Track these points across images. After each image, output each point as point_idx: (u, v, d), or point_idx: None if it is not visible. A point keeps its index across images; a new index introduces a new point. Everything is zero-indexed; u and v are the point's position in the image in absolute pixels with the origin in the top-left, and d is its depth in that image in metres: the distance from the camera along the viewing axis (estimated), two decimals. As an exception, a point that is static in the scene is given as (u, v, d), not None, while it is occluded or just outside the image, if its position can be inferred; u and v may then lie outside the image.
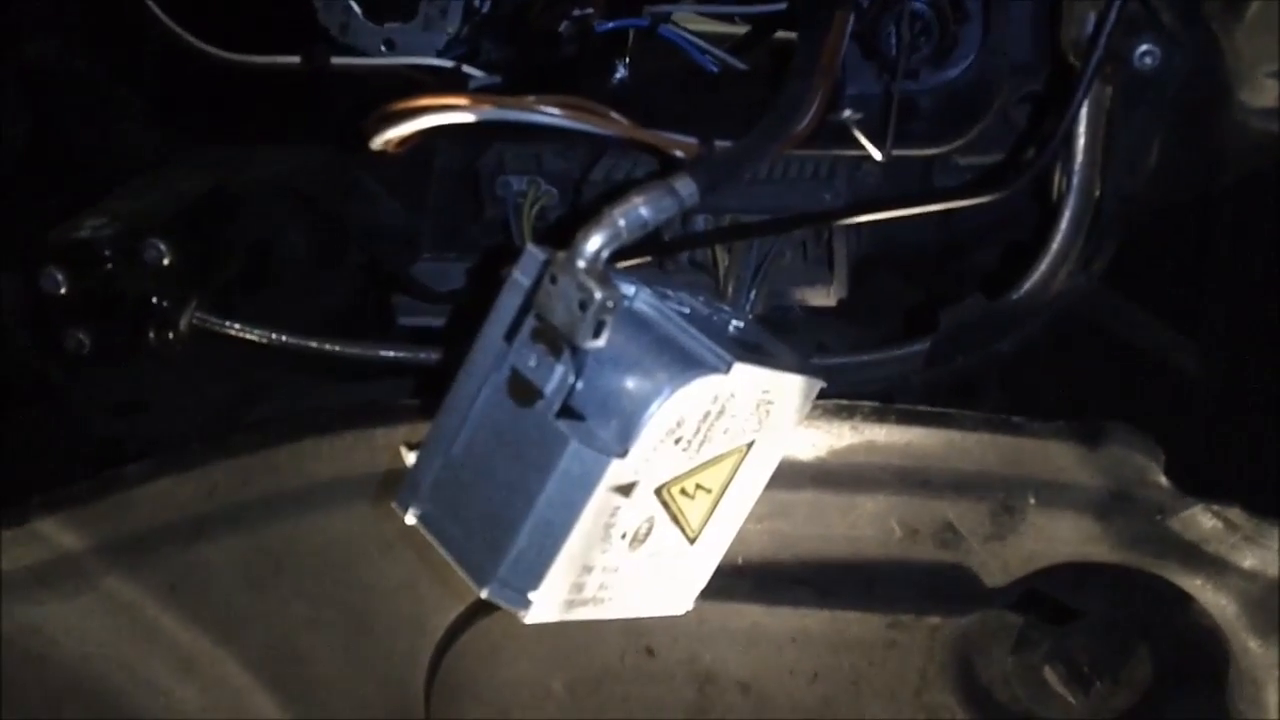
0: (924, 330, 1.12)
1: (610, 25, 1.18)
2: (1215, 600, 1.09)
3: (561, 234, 0.93)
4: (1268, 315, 1.11)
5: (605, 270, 0.89)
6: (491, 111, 0.94)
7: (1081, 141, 0.99)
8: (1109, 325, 1.14)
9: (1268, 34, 0.96)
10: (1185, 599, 1.10)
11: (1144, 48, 0.99)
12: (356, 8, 1.09)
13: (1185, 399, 1.14)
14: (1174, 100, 1.02)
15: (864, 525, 1.08)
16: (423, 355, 1.06)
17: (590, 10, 1.19)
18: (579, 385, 0.87)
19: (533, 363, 0.88)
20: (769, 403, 0.95)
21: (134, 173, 1.14)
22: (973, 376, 1.14)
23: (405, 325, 1.20)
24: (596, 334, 0.86)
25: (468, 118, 0.95)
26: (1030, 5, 1.02)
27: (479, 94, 0.98)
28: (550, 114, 0.96)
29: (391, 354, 1.06)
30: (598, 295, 0.86)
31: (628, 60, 1.22)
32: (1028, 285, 1.06)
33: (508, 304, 0.90)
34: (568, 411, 0.86)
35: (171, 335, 0.99)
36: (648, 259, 1.06)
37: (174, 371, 1.04)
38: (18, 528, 1.12)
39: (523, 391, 0.87)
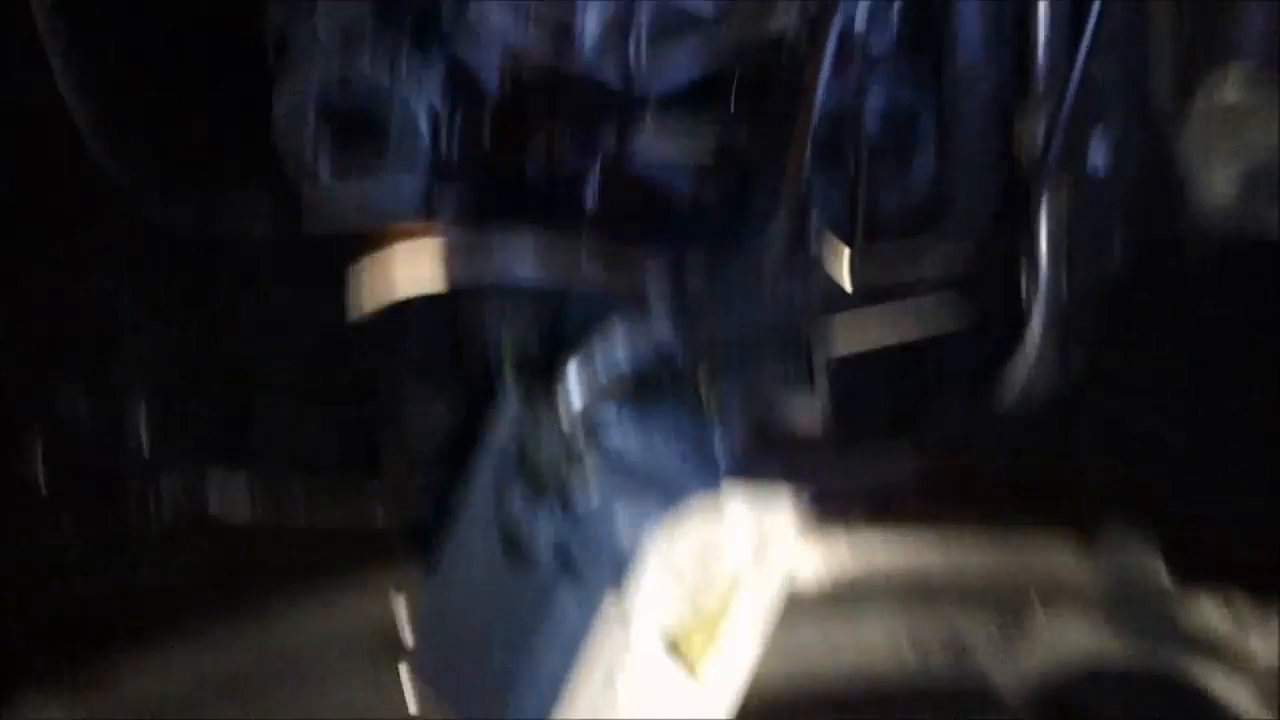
0: (911, 434, 1.16)
1: (575, 161, 1.23)
2: (1230, 691, 1.11)
3: (542, 375, 0.97)
4: (1249, 389, 1.15)
5: (587, 411, 0.93)
6: (465, 269, 0.99)
7: (1044, 245, 1.04)
8: (1094, 407, 1.18)
9: (1216, 128, 1.02)
10: (1201, 694, 1.12)
11: (1096, 148, 1.04)
12: (324, 168, 1.11)
13: (1179, 479, 1.17)
14: (1131, 196, 1.07)
15: (874, 645, 1.10)
16: (411, 511, 1.09)
17: (554, 145, 1.25)
18: (569, 528, 0.90)
19: (520, 510, 0.91)
20: (763, 525, 0.98)
21: (113, 339, 1.17)
22: (963, 476, 1.17)
23: (390, 474, 1.23)
24: (583, 478, 0.89)
25: (440, 278, 0.99)
26: (985, 114, 1.07)
27: (450, 251, 1.02)
28: (523, 265, 1.01)
29: (378, 516, 1.08)
30: (581, 439, 0.90)
31: (597, 182, 1.27)
32: (1007, 387, 1.10)
33: (492, 457, 0.94)
34: (559, 556, 0.88)
35: (153, 516, 1.01)
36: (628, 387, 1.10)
37: (155, 551, 1.06)
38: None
39: (516, 546, 0.90)
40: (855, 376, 1.23)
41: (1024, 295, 1.09)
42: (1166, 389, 1.17)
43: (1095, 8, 0.97)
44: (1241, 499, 1.12)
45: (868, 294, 1.13)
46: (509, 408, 0.93)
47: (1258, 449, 1.15)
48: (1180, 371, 1.16)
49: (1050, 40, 1.01)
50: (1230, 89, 1.00)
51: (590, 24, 1.01)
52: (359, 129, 1.14)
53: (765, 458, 1.08)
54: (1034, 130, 1.02)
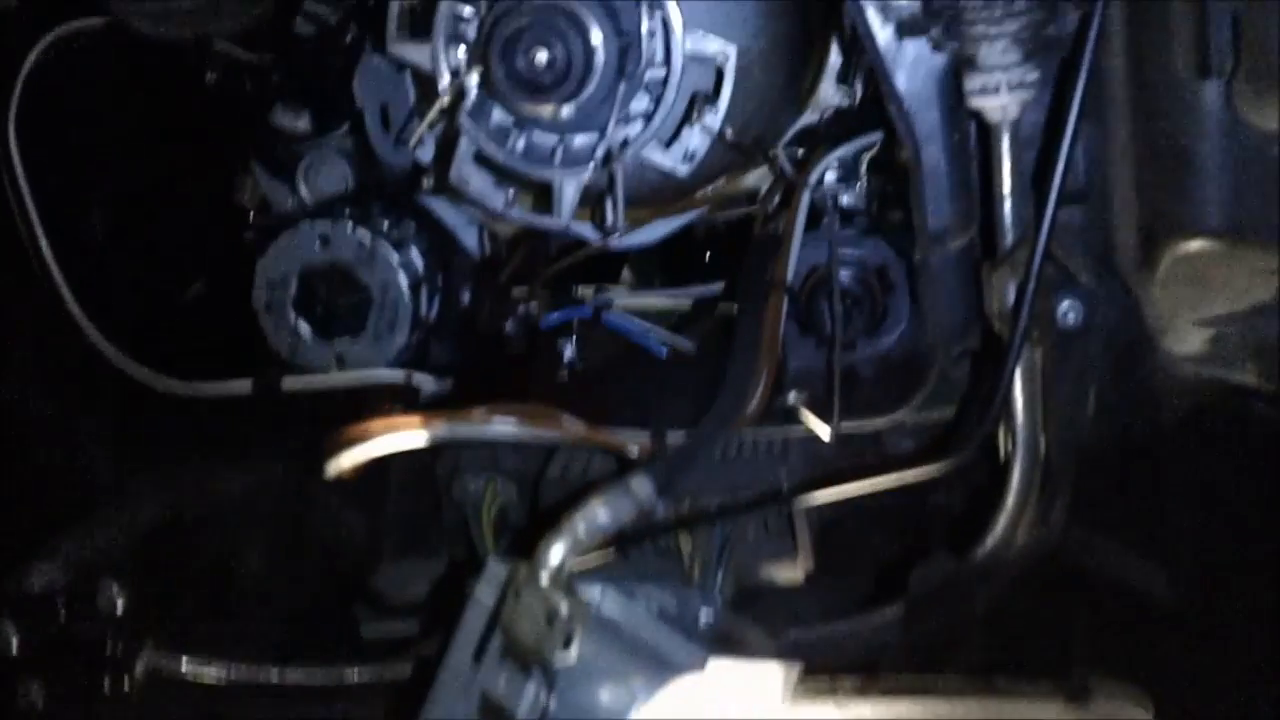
0: (896, 591, 1.16)
1: (555, 319, 1.25)
2: None
3: (523, 537, 0.97)
4: (1232, 540, 1.16)
5: (569, 579, 0.93)
6: (444, 431, 0.99)
7: (1019, 402, 1.05)
8: (1079, 561, 1.18)
9: (1183, 286, 1.04)
10: None
11: (1066, 306, 1.07)
12: (305, 329, 1.16)
13: (1165, 633, 1.17)
14: (1103, 352, 1.09)
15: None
16: (388, 674, 1.08)
17: (534, 304, 1.27)
18: (552, 703, 0.89)
19: (502, 683, 0.90)
20: (749, 692, 0.97)
21: (91, 501, 1.17)
22: (951, 634, 1.17)
23: (370, 637, 1.22)
24: (565, 647, 0.89)
25: (420, 440, 1.00)
26: (955, 273, 1.10)
27: (430, 414, 1.03)
28: (503, 429, 1.01)
29: (353, 678, 1.07)
30: (563, 608, 0.89)
31: (576, 348, 1.29)
32: (990, 544, 1.10)
33: (472, 623, 0.93)
34: (542, 727, 0.87)
35: (127, 682, 1.00)
36: (610, 551, 1.10)
37: (128, 717, 1.04)
38: None
39: (495, 715, 0.89)
40: (839, 534, 1.24)
41: (1002, 451, 1.11)
42: (1148, 541, 1.17)
43: (1057, 169, 1.01)
44: (1230, 651, 1.12)
45: (848, 452, 1.14)
46: (490, 572, 0.93)
47: (1242, 600, 1.15)
48: (1161, 523, 1.17)
49: (1015, 199, 1.03)
50: (1194, 246, 1.03)
51: (568, 188, 1.04)
52: (340, 289, 1.16)
53: (749, 605, 1.08)
54: (1003, 287, 1.05)
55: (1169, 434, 1.14)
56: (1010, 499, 1.10)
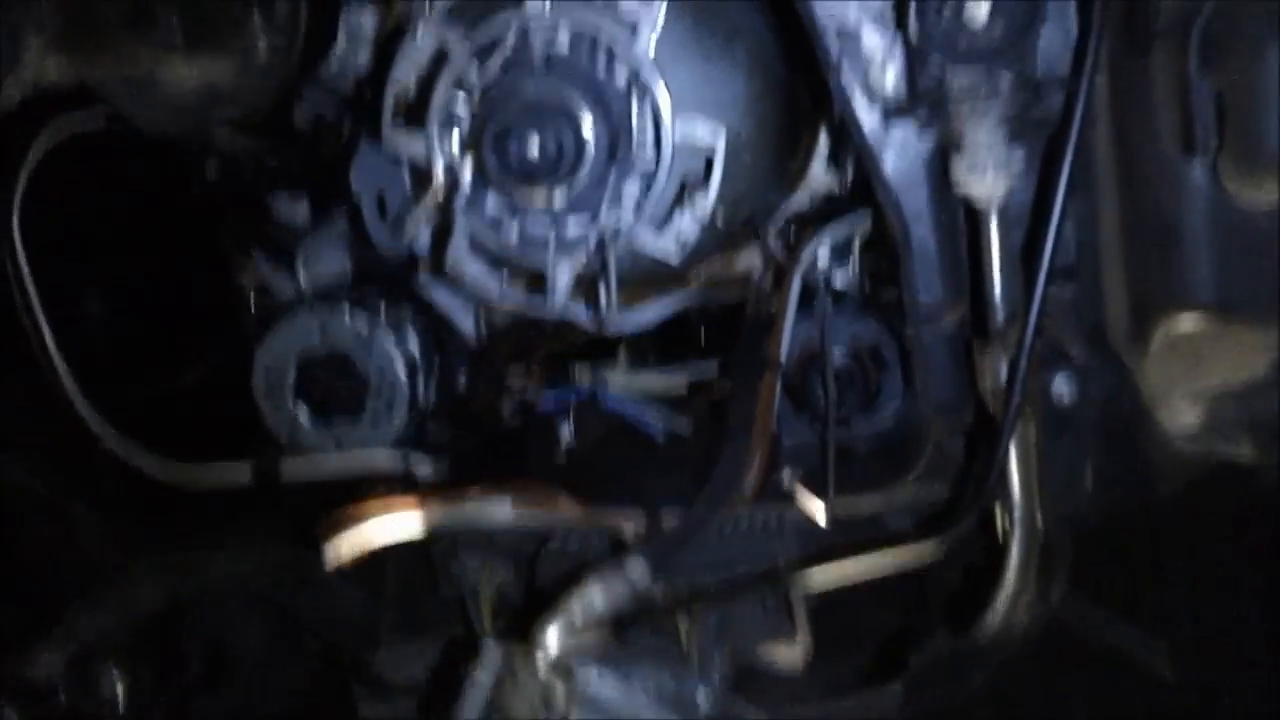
0: (896, 669, 1.15)
1: (551, 400, 1.26)
2: None
3: (519, 618, 0.97)
4: (1230, 612, 1.16)
5: (566, 661, 0.93)
6: (441, 516, 1.00)
7: (1015, 479, 1.06)
8: (1078, 634, 1.17)
9: (1176, 362, 1.05)
10: None
11: (1059, 382, 1.07)
12: (304, 414, 1.17)
13: (1165, 706, 1.16)
14: (1097, 427, 1.10)
15: None
16: (387, 759, 1.08)
17: (530, 385, 1.28)
18: (548, 785, 0.89)
19: (499, 766, 0.90)
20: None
21: (91, 586, 1.17)
22: (951, 712, 1.16)
23: (366, 716, 1.21)
24: (561, 730, 0.89)
25: (416, 525, 1.00)
26: (946, 350, 1.11)
27: (427, 498, 1.04)
28: (500, 512, 1.02)
29: (354, 764, 1.07)
30: (559, 690, 0.89)
31: (573, 428, 1.30)
32: (990, 622, 1.10)
33: (470, 704, 0.93)
34: (539, 814, 0.87)
35: (126, 766, 1.01)
36: (608, 633, 1.09)
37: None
38: None
39: (490, 799, 0.88)
40: (837, 611, 1.23)
41: (1000, 527, 1.11)
42: (1147, 615, 1.17)
43: (1045, 247, 1.02)
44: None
45: (844, 531, 1.15)
46: (486, 654, 0.93)
47: (1242, 674, 1.14)
48: (1160, 597, 1.17)
49: (1004, 277, 1.05)
50: (1185, 321, 1.04)
51: (562, 275, 1.05)
52: (338, 375, 1.17)
53: (749, 682, 1.08)
54: (995, 364, 1.06)
55: (1167, 508, 1.14)
56: (1009, 576, 1.10)
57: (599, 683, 0.94)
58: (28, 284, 1.15)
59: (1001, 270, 1.03)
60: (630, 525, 1.05)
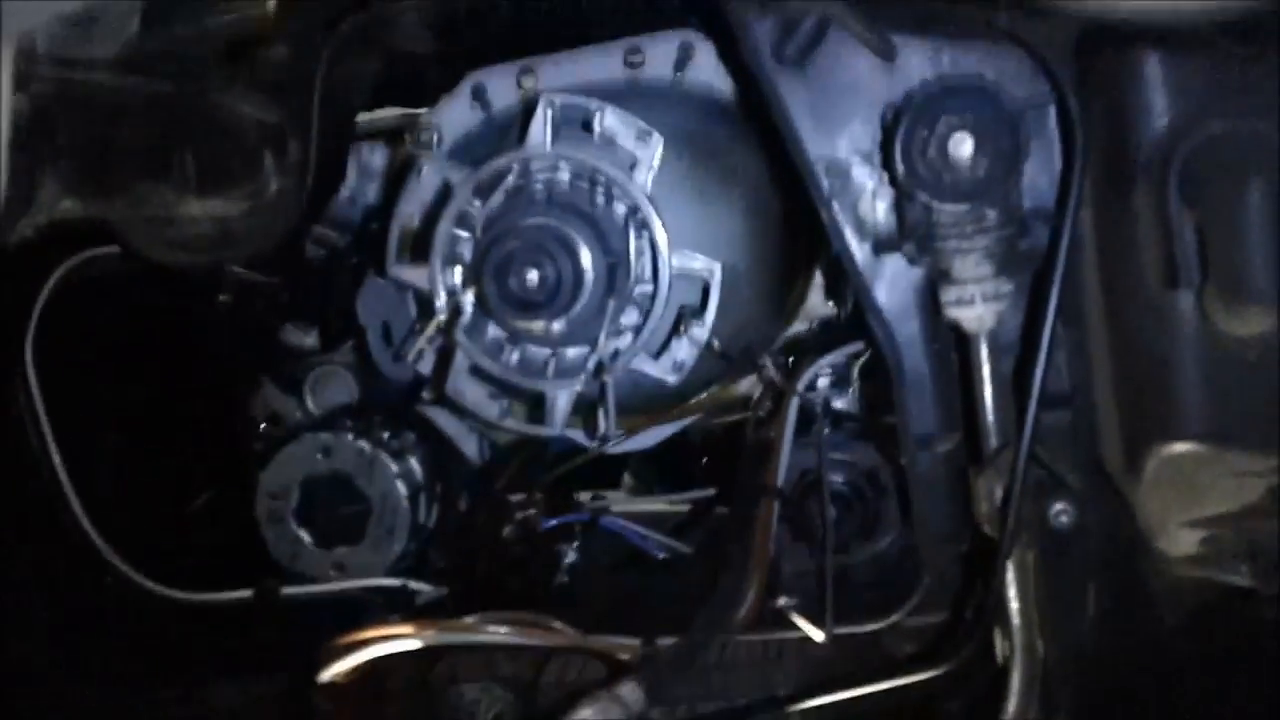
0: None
1: (553, 523, 1.28)
2: None
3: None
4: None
5: (560, 792, 0.93)
6: (436, 638, 1.01)
7: (1014, 605, 1.06)
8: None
9: (1171, 489, 1.06)
10: None
11: (1057, 509, 1.08)
12: (306, 538, 1.19)
13: None
14: (1097, 554, 1.10)
15: None
16: None
17: (532, 511, 1.30)
18: None
19: None
20: None
21: (93, 713, 1.18)
22: None
23: None
24: None
25: (413, 645, 1.02)
26: (943, 477, 1.12)
27: (424, 620, 1.05)
28: (495, 633, 1.03)
29: None
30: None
31: (575, 551, 1.31)
32: (994, 756, 1.10)
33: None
34: None
35: None
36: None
37: None
38: None
39: None
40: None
41: (1001, 654, 1.11)
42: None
43: (1035, 376, 1.04)
44: None
45: (845, 656, 1.15)
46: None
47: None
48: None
49: (996, 404, 1.06)
50: (1177, 450, 1.05)
51: (561, 399, 1.08)
52: (341, 499, 1.20)
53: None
54: (989, 491, 1.07)
55: (1171, 637, 1.14)
56: (1011, 704, 1.10)
57: (595, 813, 0.94)
58: (40, 413, 1.19)
59: (994, 398, 1.05)
60: (626, 651, 1.06)
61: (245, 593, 1.17)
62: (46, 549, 1.23)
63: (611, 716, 0.96)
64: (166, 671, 1.21)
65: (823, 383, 1.20)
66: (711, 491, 1.28)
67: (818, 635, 1.09)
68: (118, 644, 1.23)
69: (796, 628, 1.10)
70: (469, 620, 1.04)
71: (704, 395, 1.22)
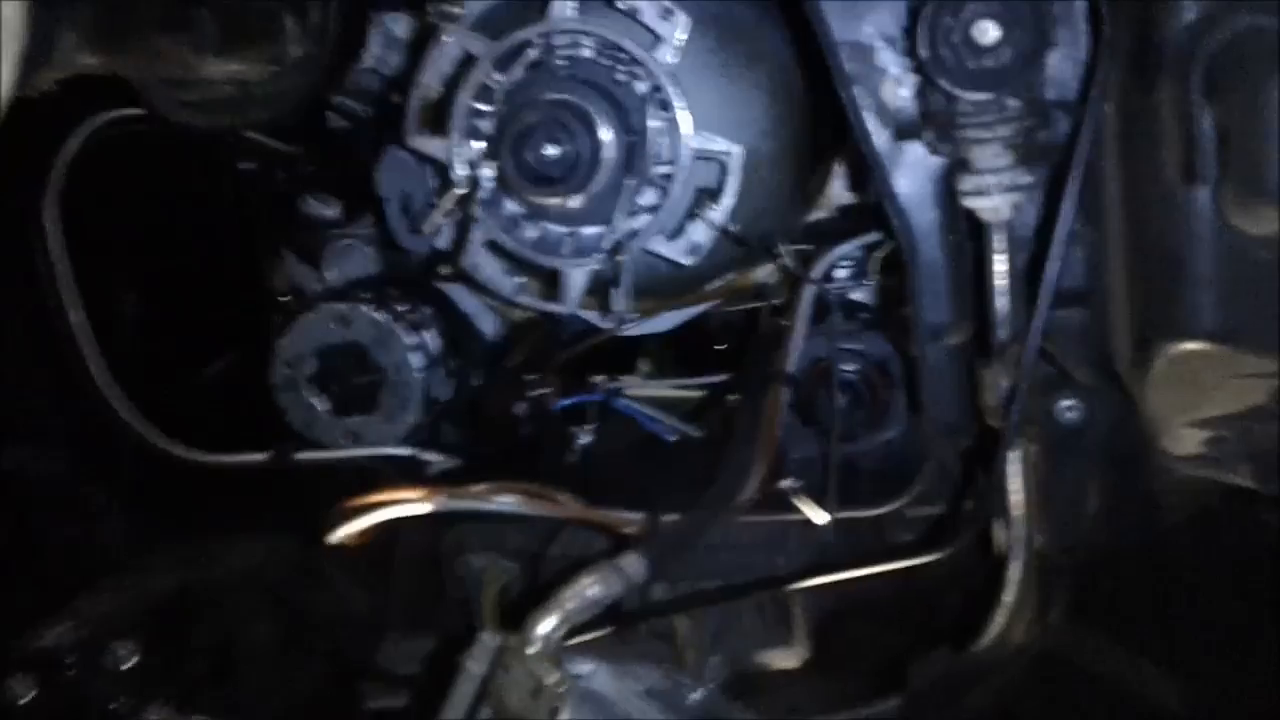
0: (895, 685, 1.18)
1: (566, 403, 1.31)
2: None
3: (523, 613, 1.01)
4: (1237, 642, 1.17)
5: (558, 653, 0.97)
6: (445, 503, 1.05)
7: (1014, 497, 1.09)
8: (1074, 664, 1.19)
9: (1178, 388, 1.07)
10: None
11: (1066, 404, 1.10)
12: (321, 406, 1.22)
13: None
14: (1102, 452, 1.12)
15: None
16: (385, 746, 1.12)
17: (547, 390, 1.33)
18: (534, 771, 0.92)
19: (488, 750, 0.94)
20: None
21: (104, 571, 1.22)
22: (947, 729, 1.19)
23: (372, 709, 1.25)
24: (552, 719, 0.92)
25: (423, 510, 1.05)
26: (952, 369, 1.14)
27: (434, 485, 1.09)
28: (503, 502, 1.07)
29: (352, 749, 1.11)
30: (549, 680, 0.93)
31: (590, 431, 1.34)
32: (988, 639, 1.12)
33: (462, 694, 0.97)
34: (525, 799, 0.90)
35: (132, 740, 1.05)
36: (605, 631, 1.13)
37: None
38: None
39: (478, 780, 0.92)
40: (837, 628, 1.26)
41: (999, 547, 1.14)
42: (1151, 646, 1.18)
43: (1050, 271, 1.05)
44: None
45: (846, 542, 1.18)
46: (481, 644, 0.97)
47: (1247, 706, 1.15)
48: (1164, 627, 1.18)
49: (1008, 298, 1.07)
50: (1186, 349, 1.06)
51: (576, 276, 1.10)
52: (356, 369, 1.22)
53: (744, 694, 1.11)
54: (996, 384, 1.09)
55: (1171, 536, 1.16)
56: (1007, 594, 1.13)
57: (591, 677, 0.97)
58: (58, 272, 1.21)
59: (1007, 291, 1.06)
60: (631, 525, 1.09)
61: (260, 456, 1.21)
62: (63, 412, 1.27)
63: (613, 587, 0.99)
64: (180, 529, 1.26)
65: (840, 273, 1.22)
66: (724, 378, 1.30)
67: (820, 518, 1.12)
68: (133, 502, 1.28)
69: (799, 510, 1.13)
70: (479, 488, 1.07)
71: (720, 282, 1.24)
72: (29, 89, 0.86)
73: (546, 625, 0.94)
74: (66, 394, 1.22)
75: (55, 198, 1.17)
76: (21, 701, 1.07)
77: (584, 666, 0.98)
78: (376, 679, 1.23)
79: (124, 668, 1.07)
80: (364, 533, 1.09)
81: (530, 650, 0.93)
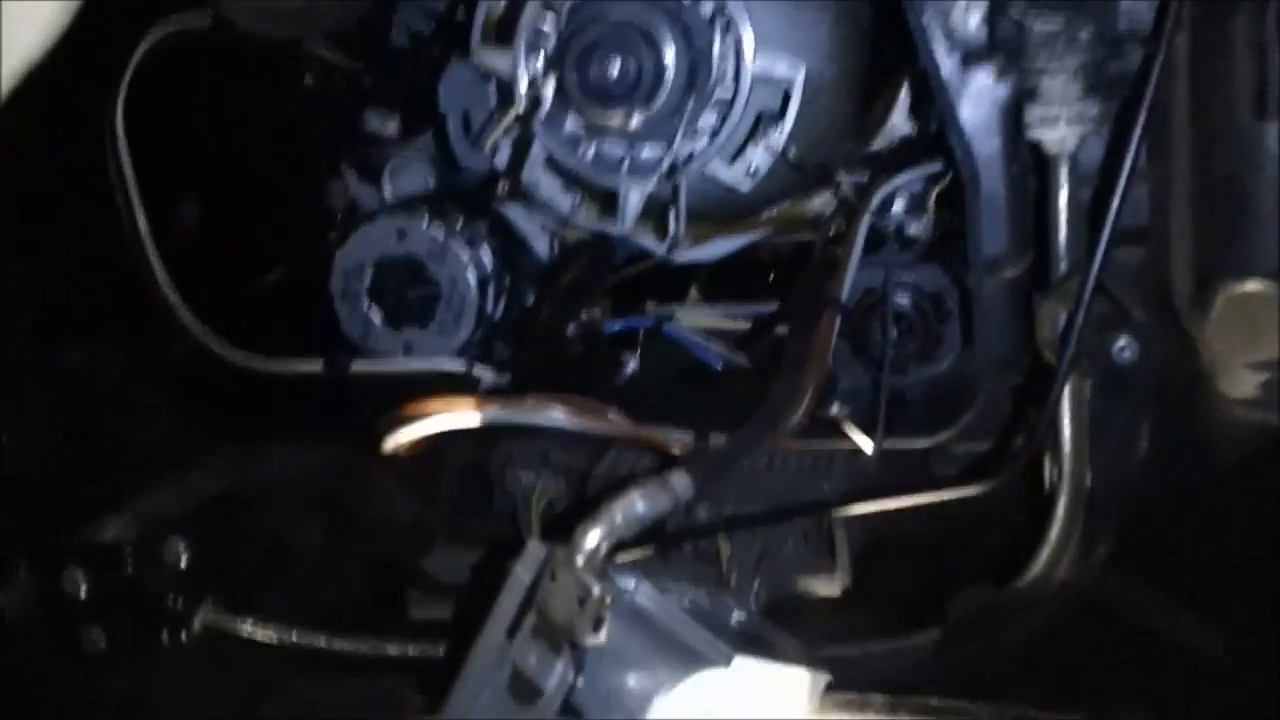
0: (933, 619, 1.19)
1: (616, 326, 1.32)
2: None
3: (567, 528, 1.03)
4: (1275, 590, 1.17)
5: (604, 565, 0.98)
6: (496, 414, 1.07)
7: (1066, 434, 1.09)
8: (1117, 606, 1.20)
9: (1237, 328, 1.07)
10: None
11: (1121, 342, 1.10)
12: (377, 317, 1.24)
13: (1200, 680, 1.18)
14: (1156, 391, 1.12)
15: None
16: (430, 650, 1.14)
17: (597, 311, 1.34)
18: (579, 682, 0.94)
19: (533, 660, 0.96)
20: (775, 694, 1.02)
21: (158, 471, 1.26)
22: (985, 666, 1.20)
23: (418, 618, 1.29)
24: (595, 629, 0.94)
25: (473, 421, 1.07)
26: (1007, 303, 1.14)
27: (485, 398, 1.11)
28: (551, 416, 1.08)
29: (398, 650, 1.14)
30: (595, 590, 0.95)
31: (638, 355, 1.36)
32: (1030, 576, 1.13)
33: (509, 600, 0.99)
34: (569, 710, 0.92)
35: (185, 635, 1.08)
36: (650, 550, 1.15)
37: (184, 668, 1.12)
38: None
39: (524, 689, 0.94)
40: (880, 559, 1.28)
41: (1047, 483, 1.14)
42: (1195, 592, 1.19)
43: (1113, 203, 1.05)
44: (1264, 697, 1.13)
45: (892, 472, 1.19)
46: (529, 553, 0.99)
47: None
48: (1210, 574, 1.19)
49: (1069, 231, 1.08)
50: (1247, 289, 1.06)
51: (633, 196, 1.11)
52: (412, 281, 1.24)
53: (784, 620, 1.12)
54: (1053, 318, 1.09)
55: (1222, 479, 1.16)
56: (1053, 531, 1.14)
57: (636, 590, 0.99)
58: (125, 176, 1.24)
59: (1068, 224, 1.06)
60: (678, 445, 1.11)
61: (315, 364, 1.23)
62: (124, 309, 1.30)
63: (660, 504, 1.00)
64: (233, 433, 1.29)
65: (898, 206, 1.22)
66: (774, 308, 1.31)
67: (867, 446, 1.13)
68: (188, 404, 1.31)
69: (847, 438, 1.15)
70: (530, 401, 1.09)
71: (775, 210, 1.25)
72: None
73: (594, 537, 0.95)
74: (127, 297, 1.25)
75: (123, 103, 1.19)
76: (78, 593, 1.11)
77: (628, 580, 1.00)
78: (423, 587, 1.26)
79: (179, 563, 1.11)
80: (415, 443, 1.11)
81: (577, 560, 0.95)
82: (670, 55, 1.07)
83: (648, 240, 1.20)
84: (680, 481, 1.01)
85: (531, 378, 1.25)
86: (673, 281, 1.40)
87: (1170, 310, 1.11)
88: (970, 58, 1.05)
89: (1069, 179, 1.06)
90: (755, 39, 1.08)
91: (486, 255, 1.25)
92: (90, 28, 0.77)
